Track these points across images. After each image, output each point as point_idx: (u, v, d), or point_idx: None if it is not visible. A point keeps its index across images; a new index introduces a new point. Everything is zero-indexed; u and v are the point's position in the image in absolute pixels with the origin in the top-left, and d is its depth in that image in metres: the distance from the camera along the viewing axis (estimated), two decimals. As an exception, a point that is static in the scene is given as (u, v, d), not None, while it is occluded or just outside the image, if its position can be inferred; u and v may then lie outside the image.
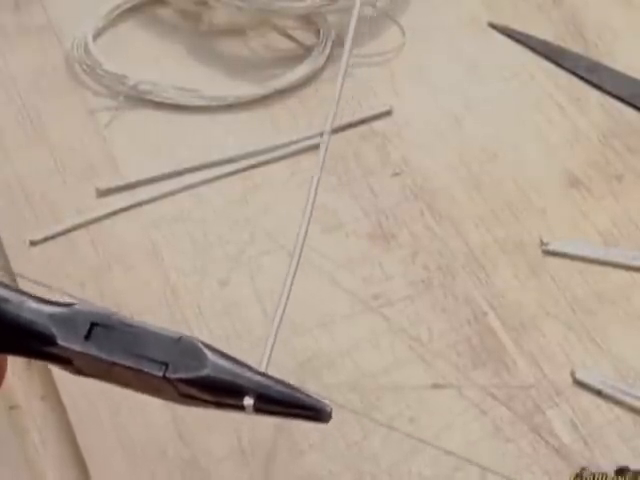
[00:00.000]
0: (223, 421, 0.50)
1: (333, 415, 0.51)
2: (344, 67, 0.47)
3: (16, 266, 0.57)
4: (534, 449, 0.50)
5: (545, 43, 0.68)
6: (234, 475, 0.49)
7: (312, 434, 0.50)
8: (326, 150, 0.45)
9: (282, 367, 0.52)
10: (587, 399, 0.52)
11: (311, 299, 0.56)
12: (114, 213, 0.59)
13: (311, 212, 0.44)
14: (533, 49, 0.68)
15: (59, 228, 0.58)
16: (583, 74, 0.66)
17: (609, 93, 0.65)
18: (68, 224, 0.58)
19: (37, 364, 0.51)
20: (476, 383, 0.52)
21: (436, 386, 0.52)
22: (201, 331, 0.54)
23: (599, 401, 0.52)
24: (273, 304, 0.55)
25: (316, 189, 0.45)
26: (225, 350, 0.53)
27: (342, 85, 0.47)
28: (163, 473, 0.49)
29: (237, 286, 0.56)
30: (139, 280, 0.56)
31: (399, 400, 0.52)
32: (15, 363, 0.50)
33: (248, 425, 0.50)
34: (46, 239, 0.58)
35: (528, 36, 0.69)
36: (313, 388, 0.52)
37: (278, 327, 0.42)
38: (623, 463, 0.49)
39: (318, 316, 0.55)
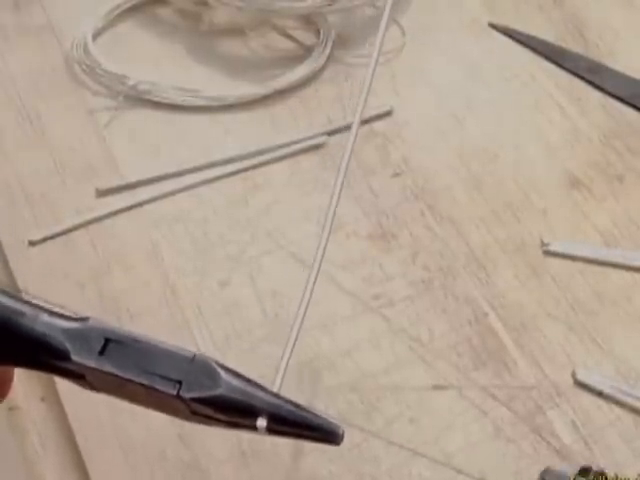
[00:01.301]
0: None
1: (334, 415, 0.51)
2: (377, 52, 0.47)
3: (15, 266, 0.57)
4: (535, 450, 0.50)
5: (546, 43, 0.68)
6: (234, 477, 0.49)
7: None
8: (352, 146, 0.45)
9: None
10: (588, 400, 0.52)
11: (311, 299, 0.55)
12: (114, 213, 0.59)
13: (332, 223, 0.44)
14: (534, 49, 0.68)
15: (59, 228, 0.58)
16: (584, 74, 0.66)
17: (610, 93, 0.65)
18: (68, 224, 0.58)
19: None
20: (477, 384, 0.52)
21: (437, 387, 0.52)
22: (201, 331, 0.54)
23: (600, 402, 0.52)
24: (273, 304, 0.55)
25: (339, 194, 0.44)
26: (225, 351, 0.53)
27: (374, 69, 0.46)
28: (163, 475, 0.49)
29: (237, 286, 0.56)
30: (139, 280, 0.56)
31: (399, 401, 0.51)
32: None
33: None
34: (45, 239, 0.58)
35: (529, 36, 0.69)
36: (313, 389, 0.52)
37: (292, 349, 0.42)
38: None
39: (318, 317, 0.54)
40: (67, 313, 0.38)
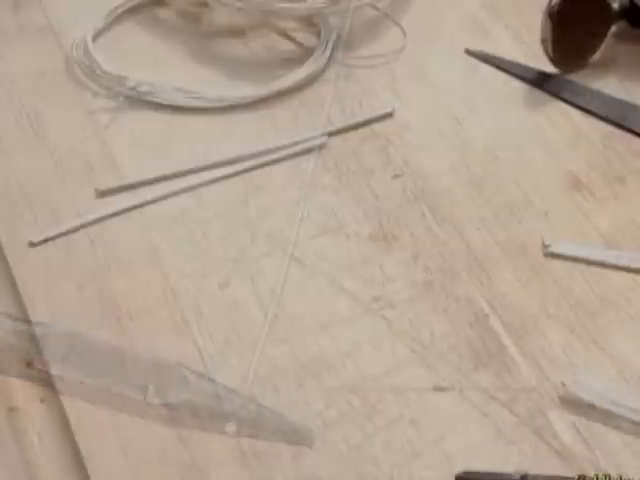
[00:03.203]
0: (223, 423, 0.49)
1: (334, 416, 0.51)
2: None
3: (15, 267, 0.57)
4: (536, 451, 0.50)
5: (525, 67, 0.67)
6: (234, 477, 0.49)
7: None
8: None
9: (283, 369, 0.52)
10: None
11: (312, 301, 0.55)
12: (114, 214, 0.59)
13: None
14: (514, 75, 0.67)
15: (58, 229, 0.58)
16: (565, 97, 0.65)
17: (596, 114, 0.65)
18: (68, 225, 0.58)
19: (37, 366, 0.51)
20: (477, 385, 0.52)
21: (437, 388, 0.52)
22: (201, 333, 0.53)
23: (601, 403, 0.52)
24: (273, 305, 0.55)
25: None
26: (225, 352, 0.53)
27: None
28: (163, 475, 0.49)
29: (237, 288, 0.56)
30: (139, 281, 0.56)
31: (400, 402, 0.51)
32: (15, 365, 0.50)
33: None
34: (46, 240, 0.58)
35: (511, 63, 0.68)
36: (314, 390, 0.52)
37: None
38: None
39: (319, 318, 0.54)
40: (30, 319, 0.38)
